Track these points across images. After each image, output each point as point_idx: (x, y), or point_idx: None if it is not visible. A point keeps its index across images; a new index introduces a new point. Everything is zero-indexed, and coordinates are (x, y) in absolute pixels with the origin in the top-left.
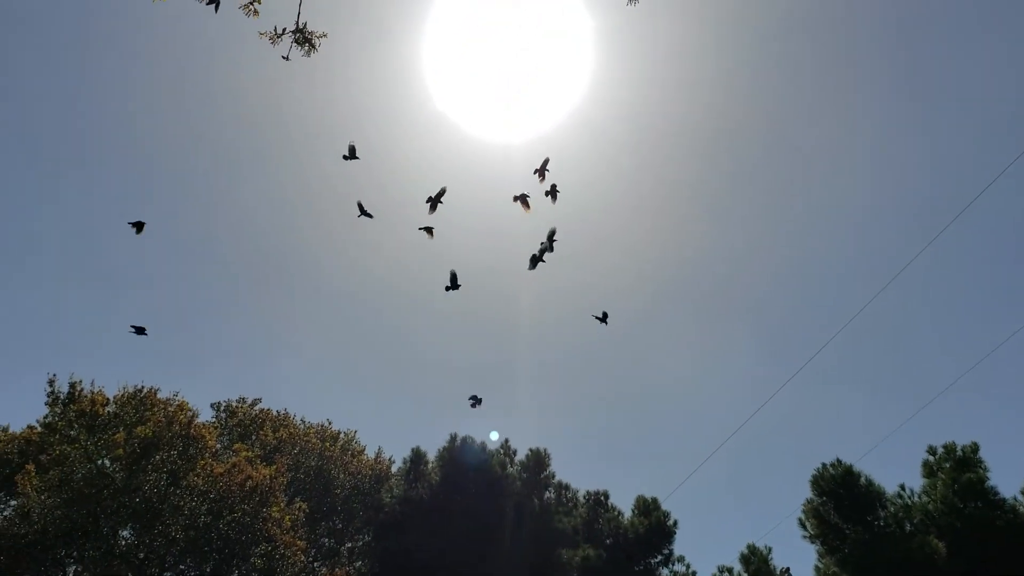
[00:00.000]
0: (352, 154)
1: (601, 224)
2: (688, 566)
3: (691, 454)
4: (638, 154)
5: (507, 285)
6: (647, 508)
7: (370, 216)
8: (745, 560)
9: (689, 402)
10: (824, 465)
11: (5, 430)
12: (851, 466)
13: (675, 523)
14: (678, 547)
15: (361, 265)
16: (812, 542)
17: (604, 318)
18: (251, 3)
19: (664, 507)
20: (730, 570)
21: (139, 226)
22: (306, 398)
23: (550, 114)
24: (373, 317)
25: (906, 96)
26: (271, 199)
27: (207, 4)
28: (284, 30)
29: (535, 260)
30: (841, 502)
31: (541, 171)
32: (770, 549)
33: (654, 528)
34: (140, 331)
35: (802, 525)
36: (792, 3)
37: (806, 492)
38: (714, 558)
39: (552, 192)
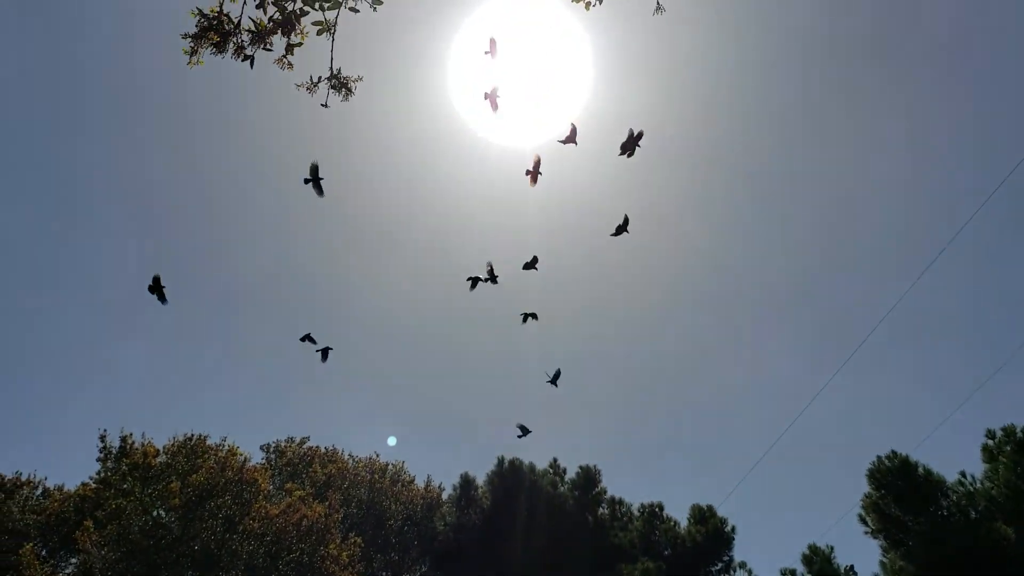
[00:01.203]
0: (315, 177)
1: (629, 233)
2: (750, 572)
3: (741, 458)
4: (661, 156)
5: (536, 298)
6: (703, 516)
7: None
8: (807, 561)
9: (731, 406)
10: (879, 458)
11: (60, 489)
12: (907, 456)
13: (733, 529)
14: (738, 553)
15: (389, 285)
16: (875, 537)
17: (555, 379)
18: (284, 56)
19: (720, 513)
20: (792, 572)
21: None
22: (348, 433)
23: (562, 117)
24: (403, 342)
25: (932, 72)
26: (286, 222)
27: (241, 61)
28: (320, 78)
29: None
30: (901, 494)
31: (631, 143)
32: (832, 548)
33: (712, 536)
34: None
35: (863, 520)
36: None
37: (862, 487)
38: (776, 561)
39: (631, 145)
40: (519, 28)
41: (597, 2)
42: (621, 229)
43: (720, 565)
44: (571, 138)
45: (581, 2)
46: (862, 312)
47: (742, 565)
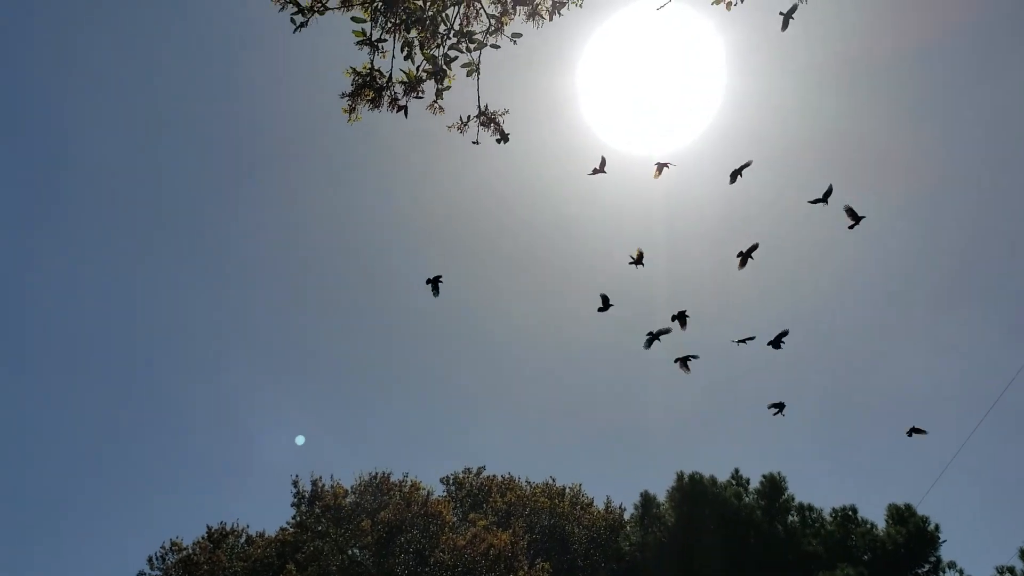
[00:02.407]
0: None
1: (793, 228)
2: (961, 572)
3: (935, 454)
4: (808, 152)
5: (690, 301)
6: (902, 516)
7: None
8: None
9: (925, 399)
10: None
11: (262, 535)
12: None
13: (936, 527)
14: (946, 552)
15: (530, 304)
16: None
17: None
18: (435, 101)
19: (920, 512)
20: (1011, 569)
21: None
22: (515, 458)
23: (691, 124)
24: (563, 367)
25: None
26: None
27: (396, 112)
28: (469, 117)
29: (652, 338)
30: None
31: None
32: None
33: (914, 536)
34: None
35: None
36: None
37: None
38: (989, 559)
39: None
40: (651, 34)
41: (739, 0)
42: (822, 200)
43: (927, 567)
44: (600, 169)
45: (721, 3)
46: None
47: (952, 565)
